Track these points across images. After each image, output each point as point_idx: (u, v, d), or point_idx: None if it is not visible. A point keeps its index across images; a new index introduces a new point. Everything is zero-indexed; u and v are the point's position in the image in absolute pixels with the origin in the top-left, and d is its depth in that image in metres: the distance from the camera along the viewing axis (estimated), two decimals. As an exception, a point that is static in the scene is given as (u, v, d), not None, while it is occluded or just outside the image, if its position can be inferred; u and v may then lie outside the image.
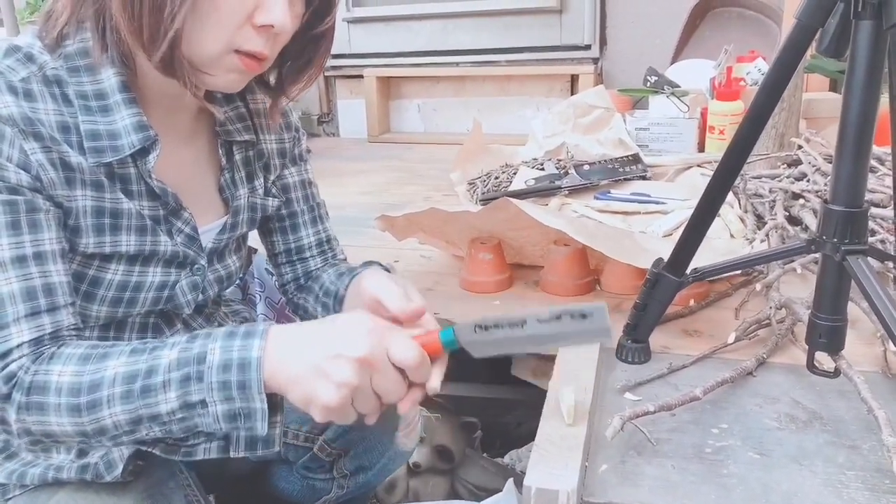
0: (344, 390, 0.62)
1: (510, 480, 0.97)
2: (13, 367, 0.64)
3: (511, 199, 1.09)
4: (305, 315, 0.97)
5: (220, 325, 0.94)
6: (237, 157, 0.86)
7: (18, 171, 0.65)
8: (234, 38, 0.67)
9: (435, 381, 0.66)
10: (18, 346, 0.64)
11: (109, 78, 0.70)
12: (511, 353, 0.66)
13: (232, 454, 0.75)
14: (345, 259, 1.01)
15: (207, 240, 0.83)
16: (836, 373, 0.81)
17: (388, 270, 0.91)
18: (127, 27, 0.65)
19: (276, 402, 0.65)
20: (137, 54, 0.70)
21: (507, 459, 1.50)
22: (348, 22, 2.94)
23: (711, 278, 0.91)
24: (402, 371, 0.64)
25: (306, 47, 0.78)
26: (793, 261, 1.14)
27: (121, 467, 0.76)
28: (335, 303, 0.89)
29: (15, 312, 0.65)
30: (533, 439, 1.56)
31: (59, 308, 0.67)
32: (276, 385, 0.64)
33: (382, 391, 0.64)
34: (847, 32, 0.74)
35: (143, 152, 0.72)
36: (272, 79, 0.83)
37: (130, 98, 0.71)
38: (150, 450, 0.78)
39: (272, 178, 0.91)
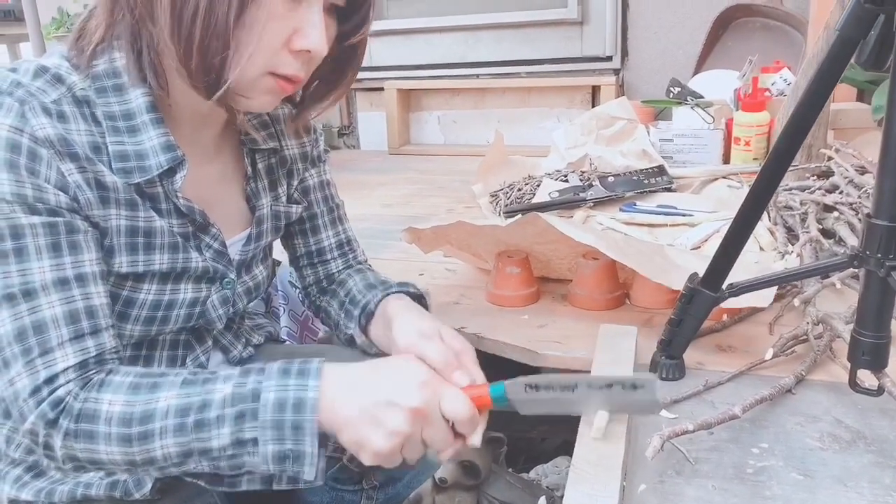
0: (396, 439, 0.63)
1: (543, 498, 0.96)
2: (60, 392, 0.63)
3: (540, 214, 1.08)
4: (327, 319, 0.97)
5: (247, 340, 0.93)
6: (260, 165, 0.86)
7: (58, 193, 0.65)
8: (271, 61, 0.68)
9: (477, 437, 0.68)
10: (64, 370, 0.64)
11: (137, 98, 0.70)
12: (557, 413, 0.68)
13: (275, 487, 0.75)
14: (366, 261, 1.01)
15: (234, 252, 0.83)
16: (880, 391, 0.79)
17: (420, 296, 0.91)
18: (175, 54, 0.65)
19: (322, 439, 0.66)
20: (173, 76, 0.69)
21: (532, 475, 1.48)
22: (369, 35, 2.95)
23: (748, 294, 0.89)
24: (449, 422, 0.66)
25: (335, 67, 0.79)
26: (829, 275, 1.11)
27: (149, 485, 0.76)
28: (362, 314, 0.89)
29: (59, 336, 0.64)
30: (558, 454, 1.55)
31: (102, 331, 0.67)
32: (329, 426, 0.64)
33: (430, 441, 0.65)
34: (889, 44, 0.72)
35: (169, 172, 0.72)
36: (297, 96, 0.83)
37: (158, 118, 0.71)
38: (195, 481, 0.77)
39: (295, 183, 0.91)
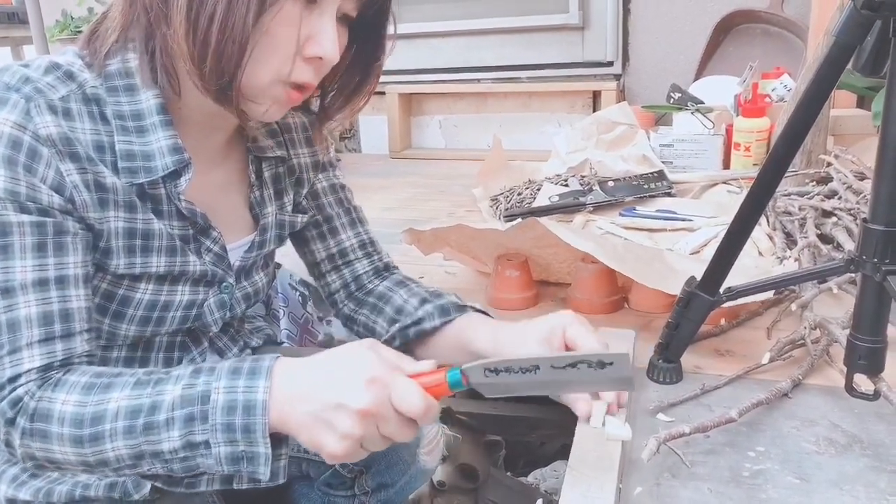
0: (347, 441, 0.62)
1: (540, 502, 0.96)
2: (20, 391, 0.63)
3: (539, 220, 1.08)
4: (364, 332, 0.95)
5: (245, 343, 0.93)
6: (266, 173, 0.86)
7: (51, 194, 0.65)
8: (283, 68, 0.68)
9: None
10: (28, 371, 0.64)
11: (148, 99, 0.70)
12: (525, 394, 0.66)
13: (235, 486, 0.74)
14: (394, 264, 1.00)
15: (235, 257, 0.83)
16: (876, 395, 0.79)
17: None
18: (189, 56, 0.65)
19: (281, 437, 0.65)
20: (185, 79, 0.70)
21: (531, 479, 1.48)
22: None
23: (745, 298, 0.90)
24: None
25: (354, 77, 0.79)
26: (826, 280, 1.12)
27: (149, 486, 0.76)
28: (417, 333, 0.89)
29: (29, 337, 0.64)
30: (556, 458, 1.55)
31: (74, 335, 0.67)
32: (284, 428, 0.63)
33: (389, 434, 0.63)
34: (885, 50, 0.73)
35: (174, 175, 0.72)
36: (315, 105, 0.84)
37: (167, 120, 0.71)
38: (154, 483, 0.77)
39: (304, 191, 0.91)
